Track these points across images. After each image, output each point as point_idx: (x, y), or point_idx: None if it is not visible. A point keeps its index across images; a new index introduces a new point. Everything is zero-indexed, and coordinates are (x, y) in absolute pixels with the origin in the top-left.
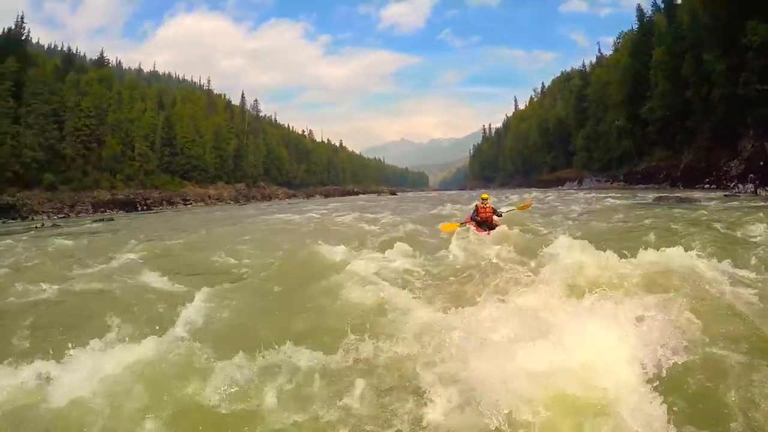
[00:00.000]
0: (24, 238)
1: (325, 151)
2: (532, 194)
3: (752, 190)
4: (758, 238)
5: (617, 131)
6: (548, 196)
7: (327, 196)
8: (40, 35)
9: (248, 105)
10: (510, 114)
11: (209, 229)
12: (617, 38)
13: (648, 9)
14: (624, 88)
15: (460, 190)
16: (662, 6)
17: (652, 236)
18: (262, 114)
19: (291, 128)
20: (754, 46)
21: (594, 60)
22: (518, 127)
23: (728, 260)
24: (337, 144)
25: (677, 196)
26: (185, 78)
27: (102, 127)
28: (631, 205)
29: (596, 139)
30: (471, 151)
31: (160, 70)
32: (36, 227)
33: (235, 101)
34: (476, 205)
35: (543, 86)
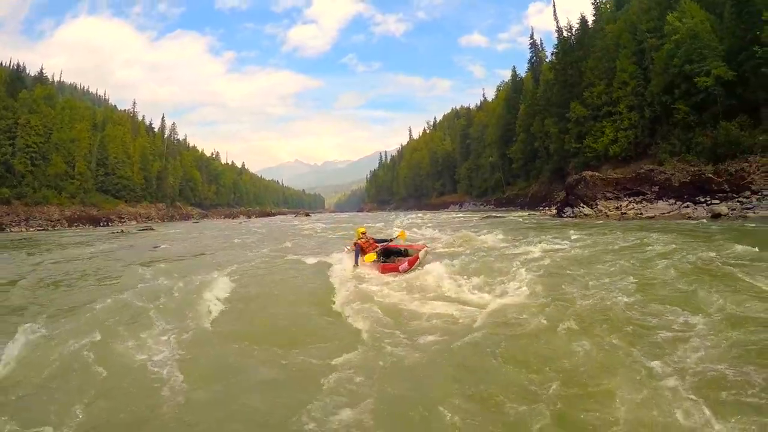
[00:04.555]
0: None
1: (231, 174)
2: (427, 215)
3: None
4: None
5: (491, 165)
6: (425, 217)
7: (249, 216)
8: None
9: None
10: (405, 143)
11: None
12: (498, 87)
13: (522, 69)
14: (497, 132)
15: (358, 211)
16: (533, 64)
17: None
18: (177, 137)
19: (202, 151)
20: (573, 119)
21: (478, 103)
22: (412, 156)
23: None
24: (239, 165)
25: (495, 215)
26: (89, 90)
27: (47, 145)
28: (467, 221)
29: (476, 170)
30: (368, 175)
31: (66, 80)
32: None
33: (151, 121)
34: (356, 242)
35: (435, 120)
